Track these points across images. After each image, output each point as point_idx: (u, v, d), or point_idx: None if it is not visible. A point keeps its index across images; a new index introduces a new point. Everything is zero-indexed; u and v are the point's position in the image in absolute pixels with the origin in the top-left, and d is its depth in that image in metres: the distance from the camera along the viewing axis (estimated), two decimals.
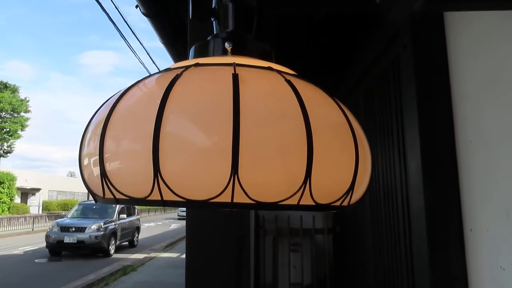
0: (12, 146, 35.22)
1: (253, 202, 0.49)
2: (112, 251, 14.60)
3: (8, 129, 33.97)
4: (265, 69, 0.59)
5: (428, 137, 1.66)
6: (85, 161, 0.59)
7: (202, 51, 0.67)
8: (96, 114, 0.61)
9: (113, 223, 15.06)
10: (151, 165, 0.49)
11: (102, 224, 14.42)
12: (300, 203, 0.51)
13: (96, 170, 0.55)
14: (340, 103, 0.61)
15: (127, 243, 16.39)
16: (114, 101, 0.57)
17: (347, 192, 0.56)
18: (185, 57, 0.71)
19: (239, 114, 0.49)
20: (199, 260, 1.92)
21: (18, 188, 30.70)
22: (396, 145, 2.04)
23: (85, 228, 14.17)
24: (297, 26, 2.51)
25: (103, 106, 0.60)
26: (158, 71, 0.66)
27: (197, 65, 0.58)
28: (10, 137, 34.78)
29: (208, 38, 0.69)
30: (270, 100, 0.54)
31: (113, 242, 14.83)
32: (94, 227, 14.24)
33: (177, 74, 0.55)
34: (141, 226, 18.22)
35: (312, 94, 0.59)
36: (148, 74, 0.64)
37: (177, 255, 14.18)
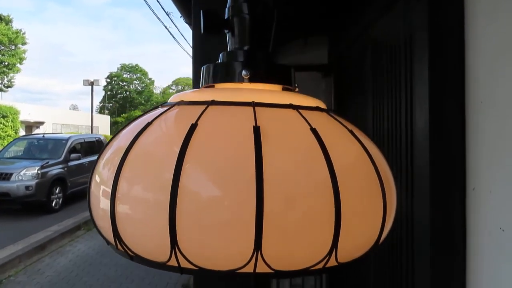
0: (12, 80, 34.92)
1: (276, 271, 0.48)
2: (57, 205, 10.49)
3: (6, 63, 33.41)
4: (287, 108, 0.55)
5: (438, 94, 1.62)
6: (97, 179, 0.57)
7: (217, 73, 0.63)
8: (120, 137, 0.59)
9: (59, 166, 10.74)
10: (167, 235, 0.47)
11: (37, 168, 10.00)
12: (326, 267, 0.50)
13: (105, 205, 0.53)
14: (370, 149, 0.57)
15: None
16: (136, 134, 0.54)
17: (371, 248, 0.55)
18: None
19: (263, 183, 0.46)
20: None
21: (22, 122, 30.87)
22: (404, 101, 2.00)
23: (11, 174, 9.80)
24: None
25: (126, 131, 0.59)
26: (177, 95, 0.62)
27: (213, 102, 0.54)
28: (9, 71, 34.33)
29: (222, 56, 0.65)
30: (295, 162, 0.51)
31: (58, 192, 10.57)
32: (25, 173, 9.87)
33: (193, 123, 0.51)
34: None
35: (340, 145, 0.55)
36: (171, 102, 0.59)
37: None
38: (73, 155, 11.48)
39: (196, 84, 2.18)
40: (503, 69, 1.34)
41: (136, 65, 70.50)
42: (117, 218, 0.51)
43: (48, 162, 10.51)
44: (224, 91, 0.60)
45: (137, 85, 71.12)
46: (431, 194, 1.67)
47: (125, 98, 69.97)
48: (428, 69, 1.66)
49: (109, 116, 56.17)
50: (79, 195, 11.61)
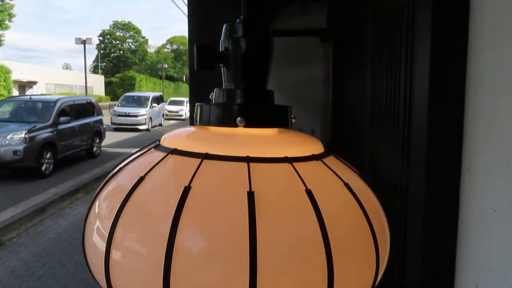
0: (1, 38, 33.99)
1: None
2: (47, 169, 10.31)
3: None
4: (282, 163, 0.54)
5: (439, 71, 1.60)
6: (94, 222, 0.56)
7: (211, 116, 0.61)
8: (123, 173, 0.59)
9: (48, 130, 10.44)
10: None
11: (25, 132, 9.72)
12: None
13: (101, 246, 0.52)
14: (366, 203, 0.57)
15: (84, 152, 12.28)
16: (135, 182, 0.53)
17: None
18: None
19: (256, 252, 0.46)
20: None
21: (14, 81, 30.33)
22: (403, 78, 1.97)
23: None
24: None
25: (129, 171, 0.58)
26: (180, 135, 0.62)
27: (207, 156, 0.53)
28: None
29: (216, 93, 0.63)
30: (289, 228, 0.51)
31: (48, 156, 10.33)
32: (12, 137, 9.60)
33: (186, 186, 0.50)
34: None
35: (334, 205, 0.55)
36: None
37: None
38: (62, 118, 11.04)
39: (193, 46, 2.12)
40: (505, 49, 1.31)
41: (129, 22, 68.68)
42: (111, 275, 0.52)
43: (35, 126, 10.17)
44: (218, 140, 0.59)
45: (130, 44, 69.62)
46: (426, 170, 1.68)
47: (119, 57, 68.70)
48: (430, 40, 1.62)
49: (103, 76, 55.36)
50: (70, 160, 11.49)
